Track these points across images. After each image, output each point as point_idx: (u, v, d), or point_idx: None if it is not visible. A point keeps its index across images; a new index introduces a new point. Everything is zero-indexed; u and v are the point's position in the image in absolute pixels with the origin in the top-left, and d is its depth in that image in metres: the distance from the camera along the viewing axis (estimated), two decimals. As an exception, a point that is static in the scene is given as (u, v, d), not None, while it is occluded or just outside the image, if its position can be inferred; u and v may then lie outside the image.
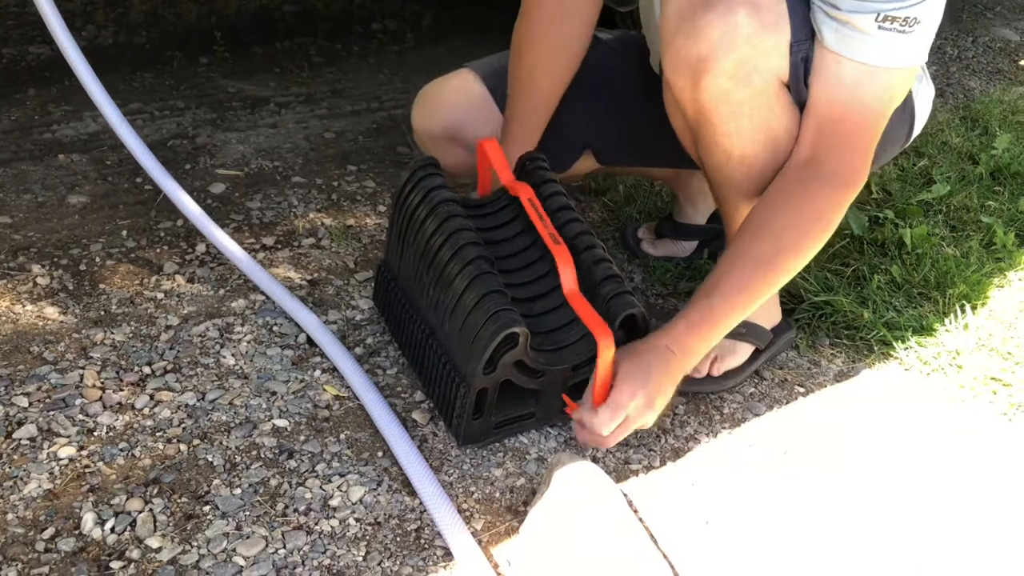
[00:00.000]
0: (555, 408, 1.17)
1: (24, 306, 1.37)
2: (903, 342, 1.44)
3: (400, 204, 1.22)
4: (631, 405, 1.07)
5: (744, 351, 1.34)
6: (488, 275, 1.10)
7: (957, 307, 1.51)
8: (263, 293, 1.44)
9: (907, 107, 1.26)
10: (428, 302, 1.18)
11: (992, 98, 2.53)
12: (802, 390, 1.35)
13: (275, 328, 1.37)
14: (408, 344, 1.27)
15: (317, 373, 1.28)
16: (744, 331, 1.32)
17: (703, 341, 1.11)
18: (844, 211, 1.12)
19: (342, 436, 1.17)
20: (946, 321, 1.48)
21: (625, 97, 1.41)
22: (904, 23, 1.02)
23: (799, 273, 1.52)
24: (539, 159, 1.24)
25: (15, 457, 1.09)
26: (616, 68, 1.42)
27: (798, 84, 1.10)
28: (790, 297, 1.48)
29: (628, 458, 1.19)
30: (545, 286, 1.16)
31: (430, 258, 1.15)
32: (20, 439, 1.12)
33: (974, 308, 1.52)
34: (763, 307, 1.33)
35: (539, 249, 1.18)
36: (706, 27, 1.04)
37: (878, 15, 1.01)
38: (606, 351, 1.06)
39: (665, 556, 1.03)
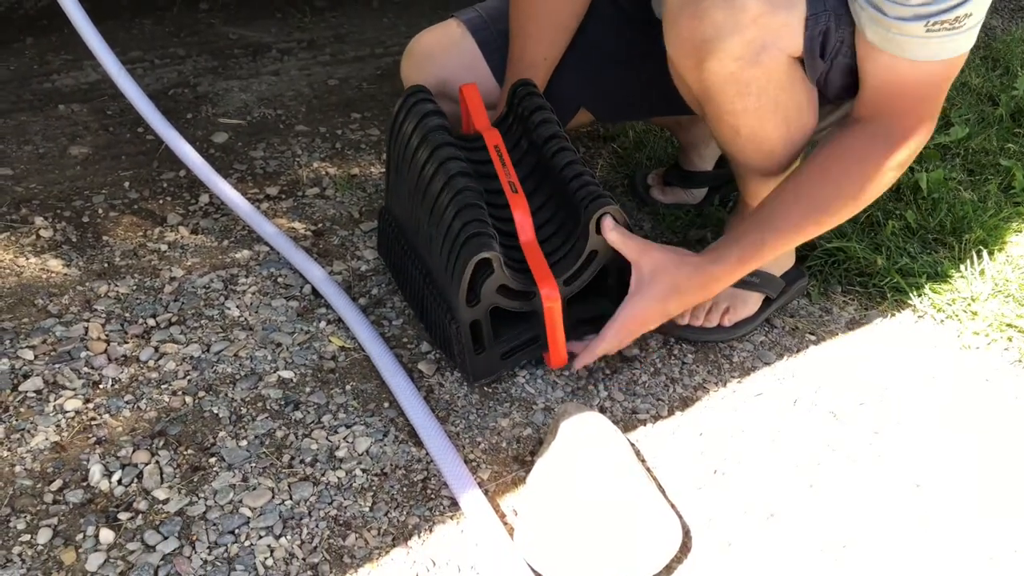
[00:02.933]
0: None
1: (28, 259, 1.36)
2: (917, 289, 1.41)
3: (394, 132, 1.20)
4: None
5: (756, 300, 1.32)
6: (473, 206, 1.09)
7: (973, 253, 1.48)
8: (267, 244, 1.43)
9: None
10: (423, 239, 1.17)
11: (1014, 37, 2.45)
12: (813, 338, 1.33)
13: (280, 279, 1.36)
14: (409, 288, 1.27)
15: (322, 324, 1.27)
16: (757, 281, 1.30)
17: (744, 272, 1.14)
18: (908, 164, 1.08)
19: (348, 387, 1.17)
20: (962, 267, 1.45)
21: (617, 55, 1.36)
22: (955, 23, 0.95)
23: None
24: (529, 85, 1.21)
25: (22, 410, 1.09)
26: (607, 23, 1.35)
27: (813, 59, 1.06)
28: (802, 244, 1.45)
29: (636, 407, 1.18)
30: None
31: (423, 188, 1.14)
32: (26, 392, 1.12)
33: (991, 254, 1.48)
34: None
35: (526, 185, 1.18)
36: (711, 8, 0.99)
37: (927, 22, 0.94)
38: (548, 304, 1.10)
39: (673, 506, 1.02)
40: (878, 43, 1.00)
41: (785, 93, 1.08)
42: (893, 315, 1.38)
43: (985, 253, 1.47)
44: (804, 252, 1.47)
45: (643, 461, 1.09)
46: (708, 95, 1.09)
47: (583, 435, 1.03)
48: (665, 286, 1.12)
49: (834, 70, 1.08)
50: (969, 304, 1.39)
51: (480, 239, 1.06)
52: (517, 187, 1.15)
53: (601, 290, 1.20)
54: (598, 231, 1.12)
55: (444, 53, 1.32)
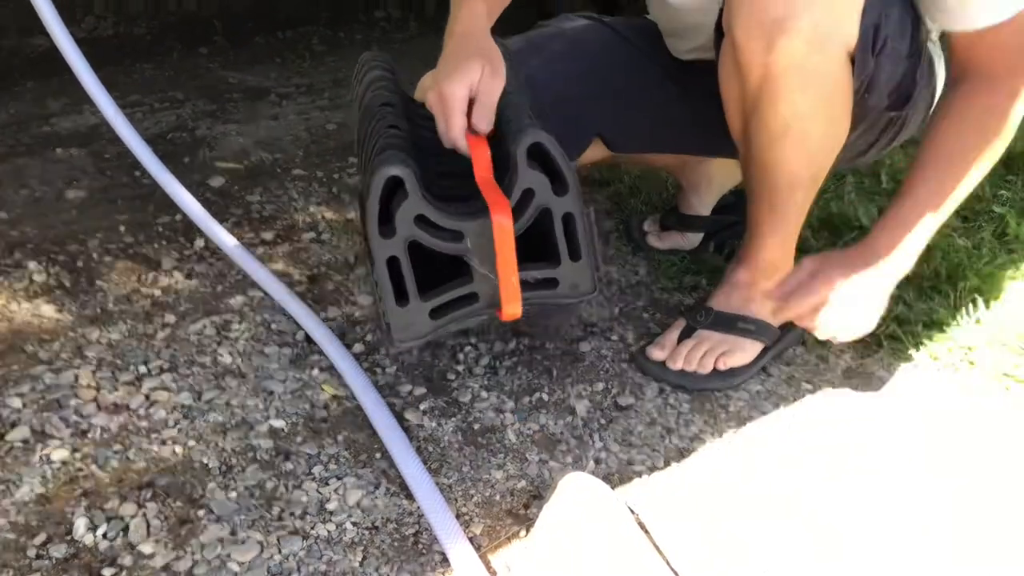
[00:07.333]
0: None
1: (19, 304, 1.35)
2: (913, 337, 1.41)
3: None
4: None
5: (752, 348, 1.31)
6: (396, 138, 1.02)
7: (969, 300, 1.48)
8: (261, 289, 1.42)
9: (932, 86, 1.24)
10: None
11: (1006, 83, 2.48)
12: (809, 387, 1.32)
13: (273, 325, 1.35)
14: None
15: (315, 372, 1.26)
16: (753, 328, 1.30)
17: (910, 255, 1.15)
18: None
19: (340, 437, 1.15)
20: (957, 315, 1.45)
21: (637, 84, 1.39)
22: None
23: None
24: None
25: (7, 460, 1.08)
26: (627, 54, 1.40)
27: (865, 53, 1.07)
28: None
29: (631, 459, 1.17)
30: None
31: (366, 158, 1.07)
32: (13, 441, 1.10)
33: (987, 302, 1.48)
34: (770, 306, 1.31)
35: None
36: None
37: None
38: (500, 222, 0.98)
39: (667, 561, 1.01)
40: (958, 24, 1.05)
41: (838, 94, 1.11)
42: (889, 363, 1.38)
43: (981, 301, 1.47)
44: (800, 300, 1.46)
45: (635, 515, 1.07)
46: (770, 83, 1.09)
47: (579, 501, 1.01)
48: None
49: (880, 71, 1.10)
50: (966, 353, 1.38)
51: (393, 155, 0.97)
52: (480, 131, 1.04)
53: (548, 252, 1.09)
54: (542, 170, 1.02)
55: None
